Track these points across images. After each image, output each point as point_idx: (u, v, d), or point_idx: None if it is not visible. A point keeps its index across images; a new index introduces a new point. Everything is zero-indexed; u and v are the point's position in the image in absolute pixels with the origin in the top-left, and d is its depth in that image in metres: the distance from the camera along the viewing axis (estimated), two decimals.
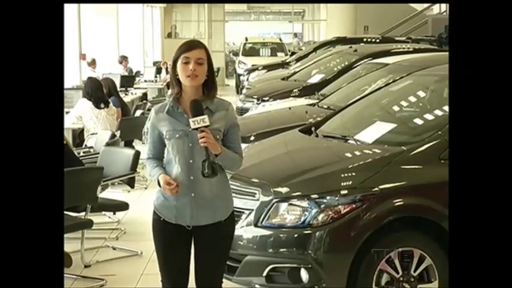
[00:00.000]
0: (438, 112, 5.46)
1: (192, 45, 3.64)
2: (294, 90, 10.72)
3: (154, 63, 20.78)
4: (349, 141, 5.25)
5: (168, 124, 3.63)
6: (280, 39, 27.78)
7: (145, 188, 8.81)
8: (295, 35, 36.41)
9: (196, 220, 3.65)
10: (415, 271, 4.48)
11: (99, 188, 5.84)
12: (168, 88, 14.68)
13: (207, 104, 3.62)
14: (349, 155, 4.99)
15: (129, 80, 14.82)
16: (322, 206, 4.41)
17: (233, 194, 4.82)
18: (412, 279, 4.48)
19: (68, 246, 5.70)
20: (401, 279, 4.47)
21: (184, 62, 3.56)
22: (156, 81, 16.97)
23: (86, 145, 8.57)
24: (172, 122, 3.63)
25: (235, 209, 4.77)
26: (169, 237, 3.72)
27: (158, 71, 17.78)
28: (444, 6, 24.94)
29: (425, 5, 25.95)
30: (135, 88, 14.75)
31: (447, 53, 11.13)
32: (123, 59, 17.08)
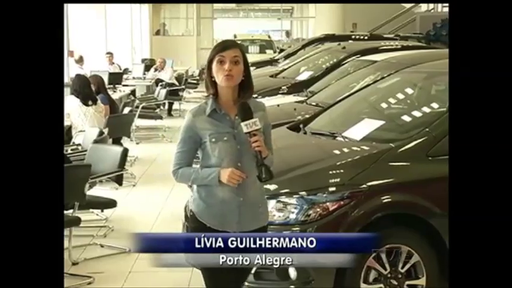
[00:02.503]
0: (426, 109, 5.48)
1: (227, 44, 3.48)
2: (283, 88, 10.72)
3: (143, 61, 20.76)
4: (338, 138, 5.26)
5: (211, 127, 3.45)
6: (269, 36, 27.77)
7: (134, 186, 8.80)
8: (287, 33, 36.19)
9: (242, 226, 3.48)
10: (402, 268, 4.50)
11: (87, 186, 5.81)
12: (157, 85, 14.59)
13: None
14: (337, 152, 5.00)
15: (117, 77, 14.80)
16: (310, 203, 4.41)
17: None
18: (400, 276, 4.50)
19: None
20: (389, 275, 4.48)
21: (220, 62, 3.42)
22: (144, 78, 16.93)
23: (73, 142, 8.53)
24: (215, 125, 3.45)
25: None
26: None
27: (147, 68, 17.75)
28: (432, 4, 24.98)
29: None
30: (123, 85, 14.73)
31: (435, 50, 11.19)
32: (108, 55, 17.03)
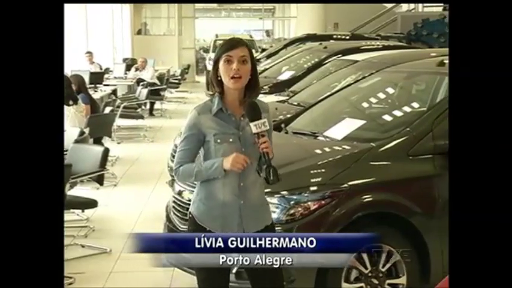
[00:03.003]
0: (407, 109, 5.51)
1: (235, 43, 3.36)
2: (264, 87, 10.70)
3: (124, 60, 20.68)
4: (319, 137, 5.27)
5: (217, 127, 3.36)
6: (251, 36, 27.83)
7: (115, 186, 8.76)
8: (267, 32, 36.10)
9: (243, 228, 3.42)
10: (383, 267, 4.51)
11: (68, 186, 5.79)
12: (138, 85, 14.47)
13: None
14: (318, 151, 5.01)
15: (98, 77, 14.74)
16: (292, 202, 4.41)
17: None
18: (381, 275, 4.51)
19: None
20: (370, 274, 4.49)
21: (227, 62, 3.31)
22: (125, 78, 16.87)
23: None
24: (221, 125, 3.36)
25: None
26: None
27: (128, 68, 17.68)
28: (413, 4, 25.09)
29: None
30: (104, 85, 14.67)
31: (416, 50, 11.22)
32: (87, 55, 16.95)
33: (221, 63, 3.33)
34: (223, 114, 3.38)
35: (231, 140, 3.35)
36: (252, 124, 3.28)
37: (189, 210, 3.53)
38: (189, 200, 4.83)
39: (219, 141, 3.36)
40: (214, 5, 38.60)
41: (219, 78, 3.36)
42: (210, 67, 18.02)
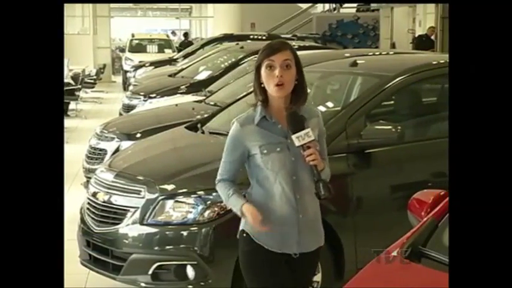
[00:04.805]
0: (321, 108, 5.57)
1: (277, 47, 3.12)
2: (181, 87, 10.68)
3: None
4: None
5: (261, 138, 3.13)
6: (168, 36, 27.66)
7: None
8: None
9: (303, 246, 3.18)
10: None
11: None
12: None
13: (300, 111, 3.14)
14: None
15: None
16: (208, 202, 4.41)
17: (118, 192, 4.78)
18: None
19: None
20: None
21: (269, 67, 3.07)
22: None
23: None
24: (265, 135, 3.13)
25: (119, 207, 4.72)
26: (279, 269, 3.17)
27: None
28: (328, 5, 25.49)
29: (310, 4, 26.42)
30: None
31: (330, 50, 11.38)
32: None
33: (263, 69, 3.10)
34: (267, 123, 3.16)
35: (278, 149, 3.13)
36: (293, 137, 3.05)
37: (242, 227, 3.29)
38: (104, 202, 4.80)
39: (265, 151, 3.13)
40: (130, 4, 38.19)
41: (262, 85, 3.13)
42: (126, 67, 17.80)
